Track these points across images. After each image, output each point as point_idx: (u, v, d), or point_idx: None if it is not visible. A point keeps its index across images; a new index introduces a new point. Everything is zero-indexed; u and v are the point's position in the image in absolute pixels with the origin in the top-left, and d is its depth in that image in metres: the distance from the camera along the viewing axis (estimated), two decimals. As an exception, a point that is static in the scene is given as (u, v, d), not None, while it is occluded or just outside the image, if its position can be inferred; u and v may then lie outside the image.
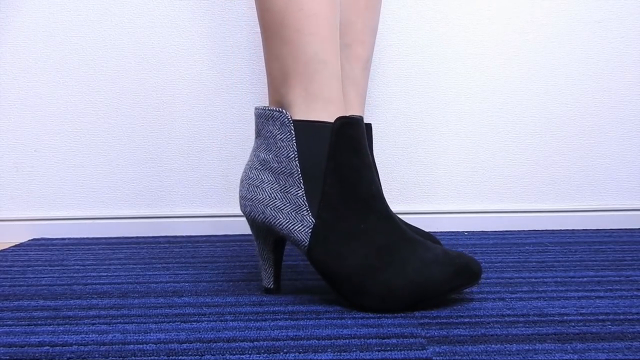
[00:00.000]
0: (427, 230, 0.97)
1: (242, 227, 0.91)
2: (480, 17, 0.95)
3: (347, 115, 0.58)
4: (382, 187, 0.98)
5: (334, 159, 0.56)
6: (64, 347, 0.49)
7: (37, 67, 0.97)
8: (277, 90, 0.60)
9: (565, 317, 0.55)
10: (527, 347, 0.48)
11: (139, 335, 0.52)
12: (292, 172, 0.57)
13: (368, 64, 0.80)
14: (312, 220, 0.56)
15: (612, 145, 0.98)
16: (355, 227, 0.56)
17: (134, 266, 0.77)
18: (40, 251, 0.88)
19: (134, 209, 0.99)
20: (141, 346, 0.49)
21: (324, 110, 0.58)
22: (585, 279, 0.67)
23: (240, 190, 0.61)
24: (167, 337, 0.52)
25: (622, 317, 0.55)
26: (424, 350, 0.47)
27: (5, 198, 1.00)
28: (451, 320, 0.54)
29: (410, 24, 0.95)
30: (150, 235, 0.98)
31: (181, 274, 0.73)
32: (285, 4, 0.57)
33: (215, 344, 0.50)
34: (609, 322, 0.53)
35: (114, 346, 0.50)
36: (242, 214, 0.63)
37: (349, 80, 0.78)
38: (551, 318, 0.54)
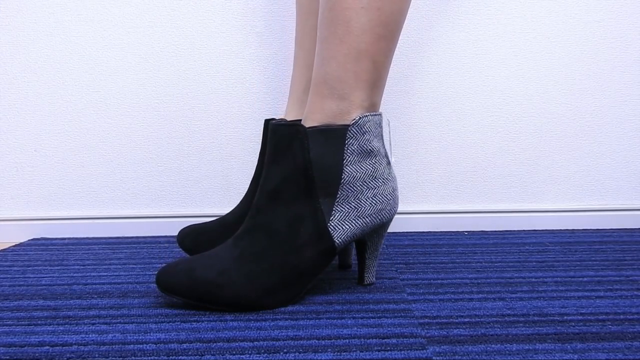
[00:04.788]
0: (426, 230, 0.97)
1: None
2: (480, 17, 0.95)
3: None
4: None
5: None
6: (64, 347, 0.49)
7: (37, 67, 0.97)
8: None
9: (565, 317, 0.55)
10: (527, 347, 0.48)
11: (139, 335, 0.52)
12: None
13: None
14: None
15: (612, 145, 0.98)
16: None
17: (134, 266, 0.77)
18: (40, 251, 0.88)
19: (134, 209, 0.99)
20: (141, 346, 0.49)
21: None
22: (585, 279, 0.67)
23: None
24: (167, 337, 0.51)
25: (622, 317, 0.55)
26: (424, 350, 0.47)
27: (5, 198, 1.00)
28: (451, 320, 0.54)
29: (410, 23, 0.95)
30: (150, 235, 0.98)
31: (181, 274, 0.73)
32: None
33: (215, 344, 0.50)
34: (609, 322, 0.53)
35: (114, 346, 0.50)
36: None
37: None
38: (551, 318, 0.54)
